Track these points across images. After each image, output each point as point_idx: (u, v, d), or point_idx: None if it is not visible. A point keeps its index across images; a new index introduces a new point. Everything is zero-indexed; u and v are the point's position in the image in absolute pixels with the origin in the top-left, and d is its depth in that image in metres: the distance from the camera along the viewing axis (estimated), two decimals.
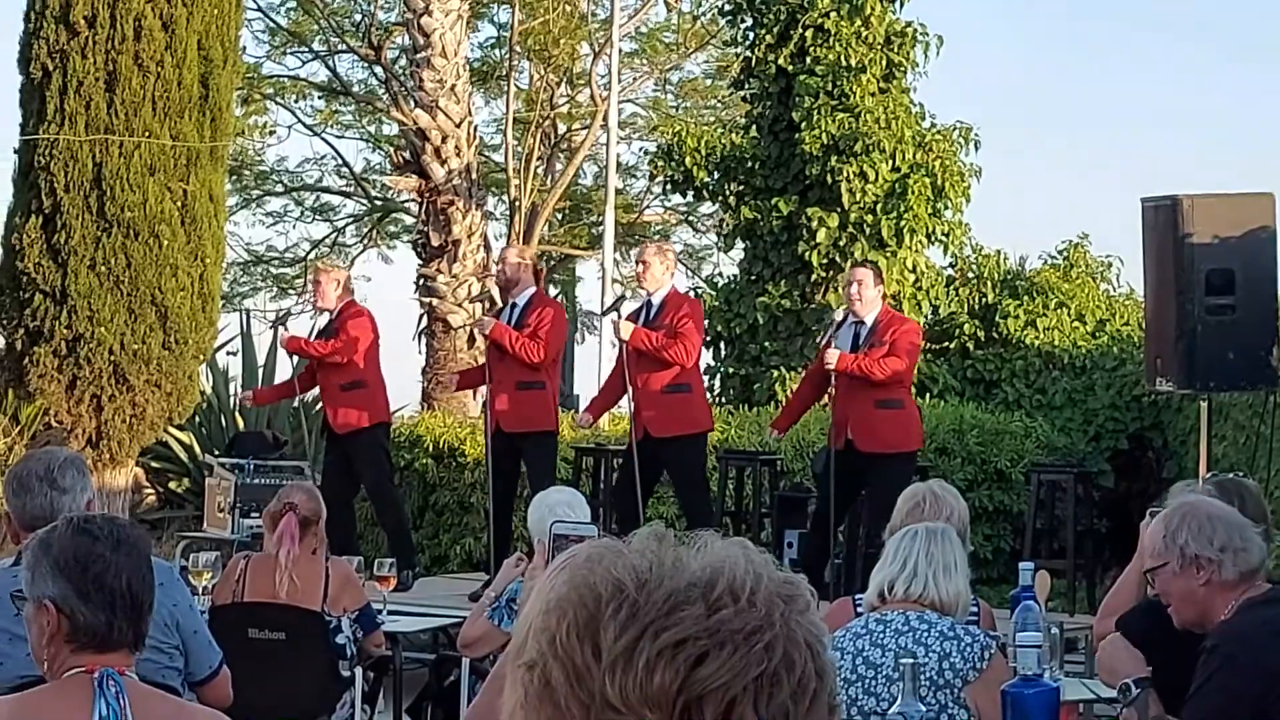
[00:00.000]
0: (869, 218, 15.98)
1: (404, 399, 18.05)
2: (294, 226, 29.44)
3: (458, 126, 17.98)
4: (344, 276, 12.18)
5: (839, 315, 11.32)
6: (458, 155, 17.98)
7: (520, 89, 26.08)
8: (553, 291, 26.29)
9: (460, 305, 18.05)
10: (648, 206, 28.05)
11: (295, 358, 13.10)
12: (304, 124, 28.01)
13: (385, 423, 12.14)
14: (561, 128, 27.13)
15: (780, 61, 16.70)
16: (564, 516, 6.46)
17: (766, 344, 16.40)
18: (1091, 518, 12.59)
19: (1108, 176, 37.60)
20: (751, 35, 17.20)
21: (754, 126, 17.23)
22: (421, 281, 18.31)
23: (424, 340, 18.44)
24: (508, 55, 25.71)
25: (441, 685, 8.64)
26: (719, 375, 16.71)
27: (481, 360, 12.11)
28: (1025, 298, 16.14)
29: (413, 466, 14.43)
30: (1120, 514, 13.69)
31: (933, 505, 6.22)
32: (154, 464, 16.61)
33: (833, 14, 16.47)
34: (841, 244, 16.10)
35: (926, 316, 15.92)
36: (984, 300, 16.35)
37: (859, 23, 16.44)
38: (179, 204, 14.13)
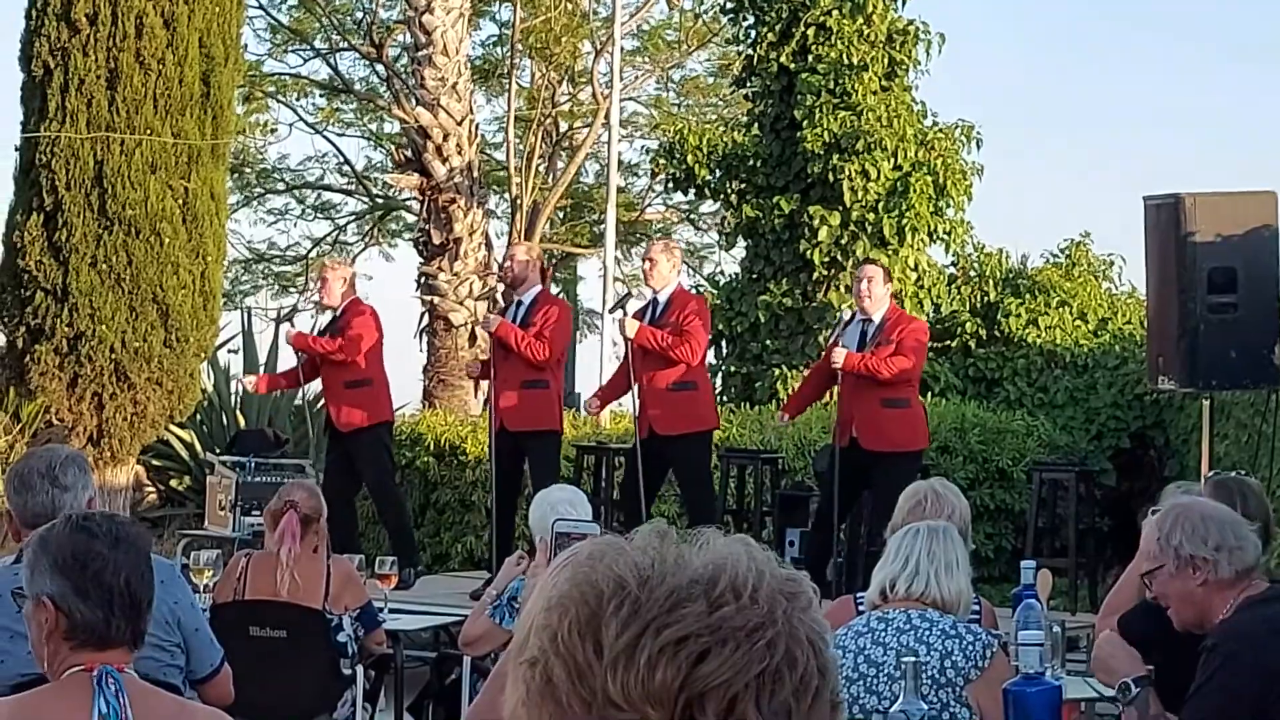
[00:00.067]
0: (871, 216, 15.98)
1: (405, 397, 18.05)
2: (295, 224, 29.48)
3: (459, 124, 17.98)
4: (350, 274, 12.17)
5: (847, 314, 11.33)
6: (459, 153, 17.98)
7: (522, 87, 26.08)
8: (554, 290, 26.26)
9: (461, 303, 18.05)
10: (649, 205, 28.05)
11: (299, 354, 13.05)
12: (305, 122, 28.03)
13: (388, 421, 12.13)
14: (563, 126, 27.13)
15: (782, 59, 16.70)
16: (565, 514, 6.45)
17: (768, 342, 16.40)
18: (1093, 516, 12.58)
19: (1110, 175, 37.62)
20: (753, 33, 17.20)
21: (756, 124, 17.23)
22: (423, 280, 18.31)
23: (425, 338, 18.44)
24: (509, 53, 25.70)
25: (443, 684, 8.64)
26: (720, 374, 16.71)
27: (485, 357, 12.10)
28: (1027, 296, 16.14)
29: (414, 465, 14.43)
30: (1122, 513, 13.69)
31: (934, 503, 6.22)
32: (155, 462, 16.61)
33: (835, 12, 16.47)
34: (843, 242, 16.10)
35: (928, 315, 15.90)
36: (986, 299, 16.35)
37: (861, 21, 16.44)
38: (180, 202, 14.12)
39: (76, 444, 13.41)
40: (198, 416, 16.43)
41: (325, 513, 7.92)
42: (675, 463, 11.08)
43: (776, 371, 15.91)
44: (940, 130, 16.48)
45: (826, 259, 16.19)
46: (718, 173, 17.13)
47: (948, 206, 16.26)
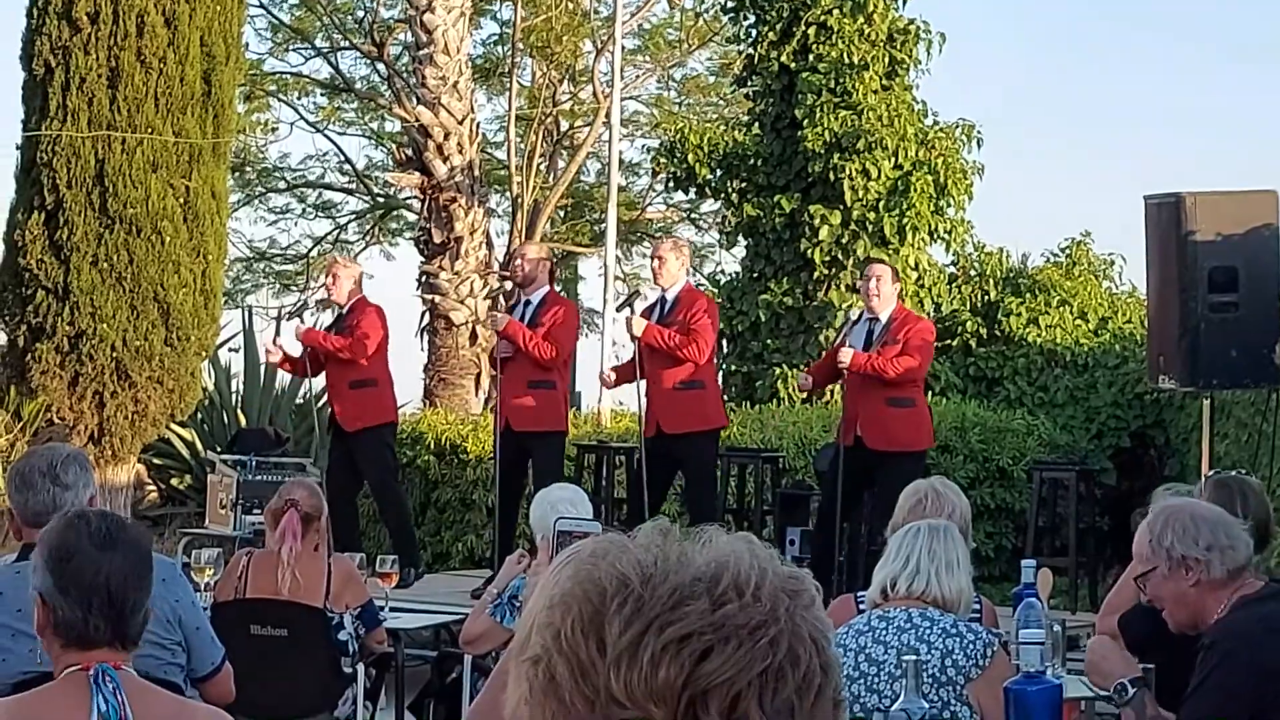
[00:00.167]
0: (871, 215, 15.98)
1: (405, 396, 18.05)
2: (296, 223, 29.47)
3: (460, 123, 17.98)
4: (359, 272, 12.13)
5: (855, 314, 11.33)
6: (460, 152, 17.98)
7: (523, 86, 26.08)
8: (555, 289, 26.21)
9: (462, 302, 18.05)
10: (650, 204, 28.05)
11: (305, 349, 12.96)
12: (306, 121, 28.03)
13: (392, 422, 12.12)
14: (564, 125, 27.13)
15: (783, 59, 16.70)
16: (566, 513, 6.46)
17: (769, 341, 16.40)
18: (1093, 515, 12.59)
19: (1110, 174, 37.61)
20: (754, 32, 17.20)
21: (756, 124, 17.23)
22: (424, 278, 18.32)
23: (426, 337, 18.45)
24: (510, 52, 25.71)
25: (443, 682, 8.64)
26: (721, 373, 16.71)
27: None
28: (1028, 295, 16.15)
29: (415, 463, 14.43)
30: (1122, 512, 13.69)
31: (935, 502, 6.22)
32: (156, 461, 16.61)
33: (835, 11, 16.47)
34: (844, 241, 16.10)
35: (929, 314, 15.91)
36: (986, 298, 16.35)
37: (861, 20, 16.44)
38: (181, 200, 14.13)
39: (77, 442, 13.41)
40: (199, 415, 16.44)
41: (326, 511, 7.92)
42: (682, 461, 11.06)
43: (777, 370, 15.91)
44: (941, 129, 16.48)
45: (827, 258, 16.19)
46: (718, 172, 17.13)
47: (948, 206, 16.26)
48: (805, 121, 16.24)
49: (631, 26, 25.64)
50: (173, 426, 15.56)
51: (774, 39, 16.84)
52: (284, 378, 17.78)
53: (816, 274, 16.28)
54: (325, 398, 13.67)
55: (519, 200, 23.98)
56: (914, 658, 4.81)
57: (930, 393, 15.00)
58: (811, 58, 16.52)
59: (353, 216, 29.42)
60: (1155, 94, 37.37)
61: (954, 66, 33.20)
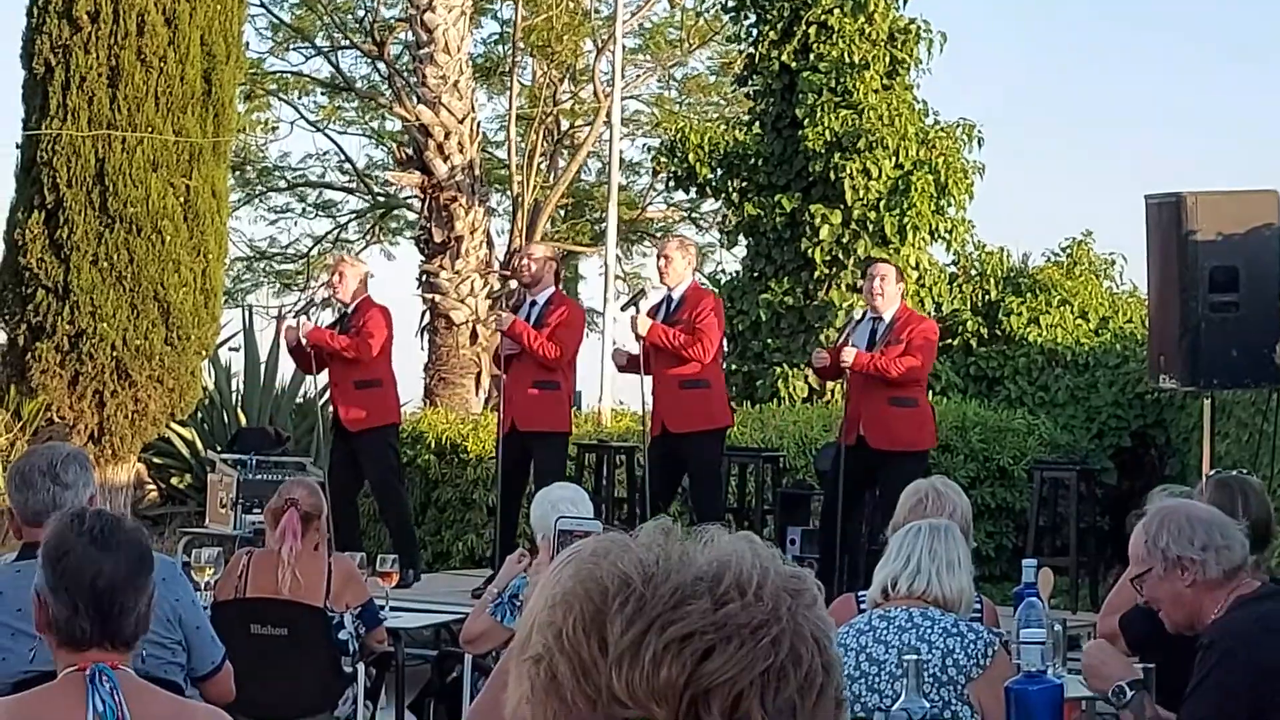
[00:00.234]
0: (872, 214, 15.98)
1: (406, 395, 18.04)
2: (296, 223, 29.44)
3: (460, 123, 17.98)
4: (365, 272, 12.06)
5: (857, 314, 11.32)
6: (460, 151, 17.98)
7: (523, 85, 26.07)
8: None
9: (462, 301, 18.06)
10: (650, 203, 28.03)
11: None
12: (307, 120, 28.01)
13: (396, 423, 12.09)
14: (564, 124, 27.12)
15: (783, 58, 16.70)
16: (567, 513, 6.45)
17: (769, 341, 16.40)
18: (1094, 515, 12.58)
19: (1111, 174, 37.58)
20: (755, 32, 17.19)
21: (757, 123, 17.23)
22: (424, 278, 18.32)
23: (426, 336, 18.45)
24: (511, 51, 25.69)
25: (444, 681, 8.64)
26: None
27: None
28: (1028, 295, 16.14)
29: (415, 463, 14.43)
30: (1123, 512, 13.66)
31: (935, 502, 6.21)
32: (156, 460, 16.61)
33: (836, 10, 16.47)
34: (844, 241, 16.09)
35: (929, 314, 15.91)
36: (987, 297, 16.35)
37: (862, 19, 16.44)
38: (181, 200, 14.13)
39: (77, 442, 13.41)
40: (199, 414, 16.43)
41: (326, 510, 7.92)
42: (688, 461, 11.04)
43: (778, 370, 15.91)
44: (941, 129, 16.48)
45: (828, 257, 16.18)
46: (719, 171, 17.12)
47: (949, 205, 16.26)
48: (806, 121, 16.24)
49: (632, 26, 25.64)
50: (173, 426, 15.56)
51: (775, 38, 16.83)
52: (284, 377, 17.80)
53: (817, 273, 16.28)
54: (326, 397, 13.63)
55: (519, 199, 23.97)
56: (915, 657, 4.81)
57: (931, 392, 14.99)
58: (812, 57, 16.52)
59: (353, 216, 29.40)
60: (1156, 94, 37.37)
61: (955, 66, 33.22)
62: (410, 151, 18.40)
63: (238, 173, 26.32)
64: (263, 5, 25.79)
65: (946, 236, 16.35)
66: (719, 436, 11.25)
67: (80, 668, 3.61)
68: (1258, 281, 10.32)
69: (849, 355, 10.58)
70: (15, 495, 5.15)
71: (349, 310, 11.76)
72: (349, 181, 28.86)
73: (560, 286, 11.89)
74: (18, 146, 14.40)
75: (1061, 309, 15.96)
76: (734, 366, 16.61)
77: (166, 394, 14.20)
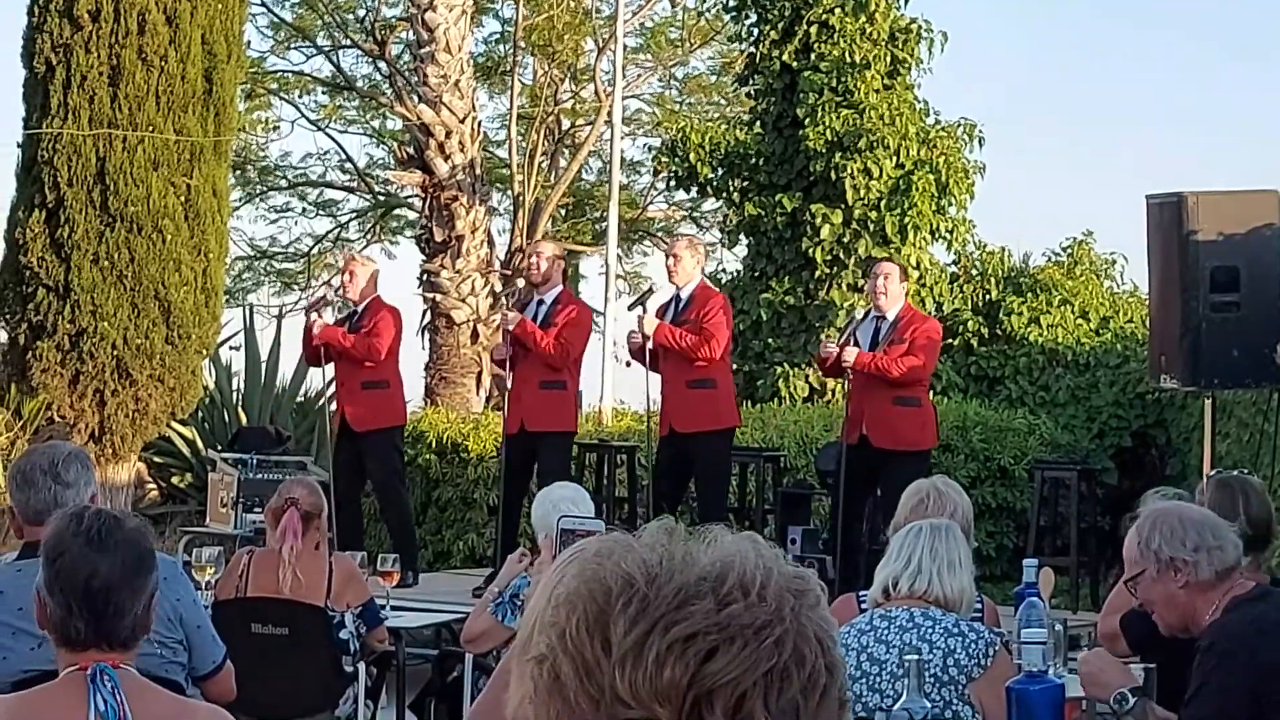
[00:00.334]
0: (873, 214, 15.98)
1: (407, 394, 18.03)
2: (297, 222, 29.43)
3: (461, 122, 17.98)
4: (375, 270, 11.99)
5: (859, 314, 11.32)
6: (461, 151, 17.98)
7: (524, 84, 26.06)
8: None
9: (463, 301, 18.06)
10: (651, 203, 28.02)
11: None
12: (307, 119, 28.00)
13: (401, 425, 12.07)
14: (565, 123, 27.11)
15: (785, 58, 16.70)
16: (569, 512, 6.46)
17: (770, 340, 16.40)
18: (1095, 515, 12.59)
19: (1112, 173, 37.55)
20: (756, 31, 17.20)
21: (758, 123, 17.23)
22: (425, 277, 18.31)
23: (427, 336, 18.45)
24: (512, 51, 25.69)
25: (445, 681, 8.64)
26: None
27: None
28: (1029, 295, 16.15)
29: (416, 462, 14.42)
30: (1124, 512, 13.67)
31: (936, 501, 6.21)
32: (157, 459, 16.60)
33: (837, 10, 16.47)
34: (845, 240, 16.10)
35: (930, 313, 15.91)
36: (988, 297, 16.35)
37: (863, 19, 16.44)
38: (182, 199, 14.12)
39: (78, 441, 13.41)
40: (199, 413, 16.43)
41: (326, 509, 7.91)
42: (695, 460, 11.02)
43: (779, 370, 15.91)
44: (942, 129, 16.49)
45: (829, 257, 16.19)
46: (720, 171, 17.13)
47: (950, 205, 16.26)
48: (807, 120, 16.24)
49: (633, 25, 25.63)
50: (173, 425, 15.55)
51: (776, 38, 16.83)
52: (285, 377, 17.80)
53: (818, 273, 16.28)
54: (328, 396, 13.61)
55: (520, 199, 23.96)
56: (916, 657, 4.81)
57: (931, 392, 15.00)
58: (813, 56, 16.52)
59: (354, 215, 29.39)
60: (1157, 93, 37.35)
61: (955, 65, 33.19)
62: (411, 151, 18.40)
63: (239, 172, 26.31)
64: (264, 4, 25.80)
65: (947, 236, 16.35)
66: (727, 436, 11.24)
67: (81, 667, 3.60)
68: (1259, 281, 10.31)
69: (850, 355, 10.57)
70: (16, 494, 5.14)
71: (358, 309, 11.71)
72: (350, 181, 28.85)
73: (567, 285, 11.85)
74: (18, 145, 14.40)
75: (1062, 309, 15.97)
76: (735, 366, 16.61)
77: (167, 393, 14.20)
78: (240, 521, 12.27)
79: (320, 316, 11.68)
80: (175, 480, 16.75)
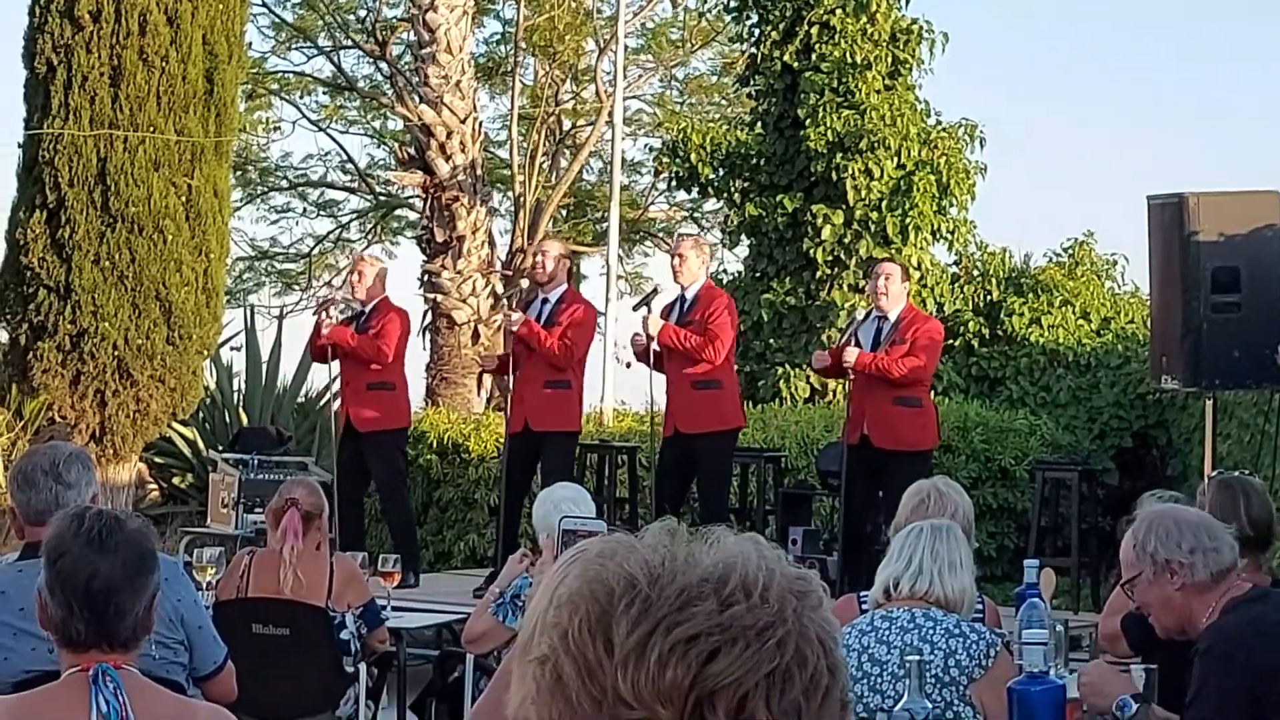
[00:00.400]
0: (874, 215, 15.98)
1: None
2: (298, 222, 29.43)
3: (462, 122, 17.98)
4: (385, 271, 11.95)
5: (860, 315, 11.31)
6: (462, 151, 17.98)
7: (525, 85, 26.07)
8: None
9: (464, 301, 18.06)
10: (652, 203, 28.02)
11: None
12: (308, 119, 28.00)
13: (405, 427, 12.05)
14: (566, 124, 27.11)
15: (786, 58, 16.70)
16: (570, 512, 6.46)
17: (771, 341, 16.40)
18: (1096, 515, 12.58)
19: (1113, 174, 37.54)
20: (757, 32, 17.20)
21: (759, 123, 17.23)
22: (426, 277, 18.32)
23: (428, 336, 18.45)
24: (513, 51, 25.69)
25: (446, 681, 8.64)
26: None
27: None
28: (1030, 295, 16.14)
29: (417, 462, 14.42)
30: (1125, 512, 13.67)
31: (937, 502, 6.20)
32: (157, 459, 16.60)
33: (838, 10, 16.47)
34: (846, 241, 16.10)
35: (931, 314, 15.91)
36: (989, 298, 16.35)
37: (864, 19, 16.44)
38: (183, 199, 14.13)
39: (79, 441, 13.41)
40: (200, 414, 16.43)
41: (326, 510, 7.91)
42: (699, 460, 11.02)
43: (780, 370, 15.91)
44: (944, 129, 16.49)
45: (830, 258, 16.19)
46: (721, 171, 17.12)
47: (951, 205, 16.26)
48: (808, 121, 16.24)
49: (634, 26, 25.63)
50: (174, 425, 15.56)
51: (777, 38, 16.83)
52: (286, 377, 17.80)
53: (819, 273, 16.28)
54: (330, 396, 13.59)
55: (521, 199, 23.96)
56: (917, 658, 4.81)
57: (932, 392, 15.00)
58: (814, 57, 16.52)
59: (355, 215, 29.39)
60: (1158, 94, 37.35)
61: (957, 66, 33.12)
62: (412, 151, 18.40)
63: (239, 172, 26.31)
64: (265, 5, 25.80)
65: (948, 237, 16.36)
66: (731, 437, 11.24)
67: (84, 668, 3.60)
68: (1260, 282, 10.31)
69: (851, 355, 10.57)
70: (18, 495, 5.14)
71: (366, 310, 11.68)
72: (351, 181, 28.86)
73: (572, 284, 11.84)
74: (19, 146, 14.41)
75: (1063, 309, 15.97)
76: (736, 366, 16.62)
77: (168, 393, 14.20)
78: (241, 522, 12.26)
79: (329, 317, 11.66)
80: (176, 481, 16.75)
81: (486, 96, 27.41)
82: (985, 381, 15.89)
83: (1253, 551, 5.61)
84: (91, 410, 14.09)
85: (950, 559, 5.27)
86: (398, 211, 28.43)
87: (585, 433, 13.93)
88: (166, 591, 4.43)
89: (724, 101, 27.49)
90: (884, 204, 15.97)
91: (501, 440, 12.26)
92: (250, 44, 21.05)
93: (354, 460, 11.59)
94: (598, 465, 13.12)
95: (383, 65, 25.50)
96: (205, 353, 14.82)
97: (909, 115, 16.28)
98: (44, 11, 14.06)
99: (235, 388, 17.63)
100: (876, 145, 15.91)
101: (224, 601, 7.56)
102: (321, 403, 17.43)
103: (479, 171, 18.31)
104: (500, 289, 18.77)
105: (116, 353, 13.89)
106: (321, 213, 29.15)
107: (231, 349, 18.44)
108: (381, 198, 28.38)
